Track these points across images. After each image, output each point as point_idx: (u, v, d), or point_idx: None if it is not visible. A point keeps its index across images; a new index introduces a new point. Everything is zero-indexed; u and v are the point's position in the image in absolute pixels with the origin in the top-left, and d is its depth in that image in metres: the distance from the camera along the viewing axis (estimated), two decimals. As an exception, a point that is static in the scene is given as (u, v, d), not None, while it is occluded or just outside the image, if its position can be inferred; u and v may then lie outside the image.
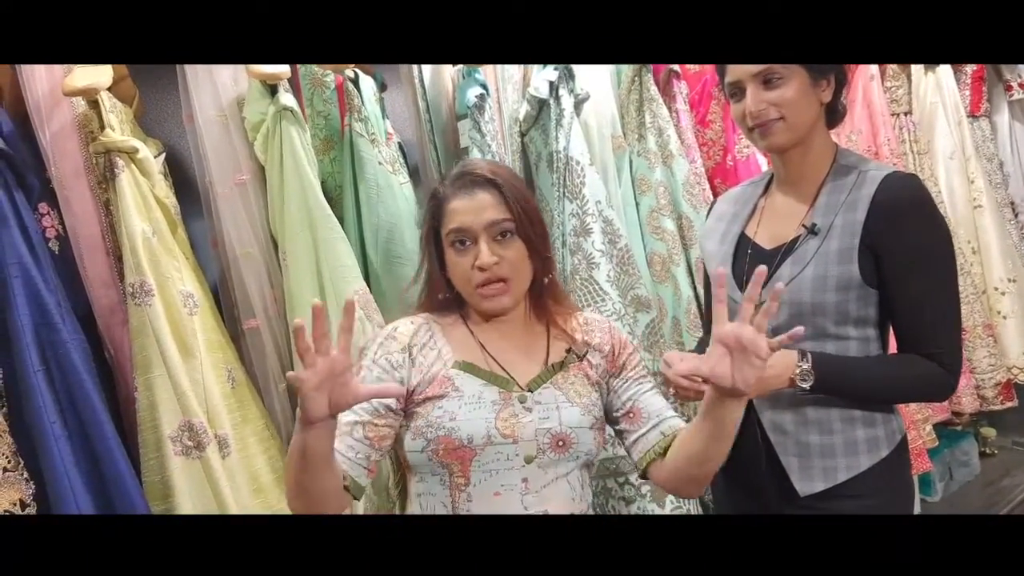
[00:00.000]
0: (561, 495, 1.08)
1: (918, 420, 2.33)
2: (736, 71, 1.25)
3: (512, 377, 1.11)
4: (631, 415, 1.14)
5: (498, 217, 1.08)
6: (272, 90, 1.47)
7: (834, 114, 1.30)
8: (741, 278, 1.32)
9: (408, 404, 1.09)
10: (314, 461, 0.93)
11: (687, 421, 1.11)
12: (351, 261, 1.47)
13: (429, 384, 1.08)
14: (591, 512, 1.16)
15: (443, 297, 1.16)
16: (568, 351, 1.15)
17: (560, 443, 1.07)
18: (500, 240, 1.09)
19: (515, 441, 1.05)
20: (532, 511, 1.05)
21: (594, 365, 1.16)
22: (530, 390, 1.10)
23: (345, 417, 1.03)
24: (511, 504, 1.05)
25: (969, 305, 2.59)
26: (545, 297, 1.17)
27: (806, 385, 1.17)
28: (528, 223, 1.10)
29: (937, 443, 2.42)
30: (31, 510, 1.14)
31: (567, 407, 1.10)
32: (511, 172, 1.18)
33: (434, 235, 1.14)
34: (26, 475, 1.15)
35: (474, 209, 1.08)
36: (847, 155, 1.30)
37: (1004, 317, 2.69)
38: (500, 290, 1.09)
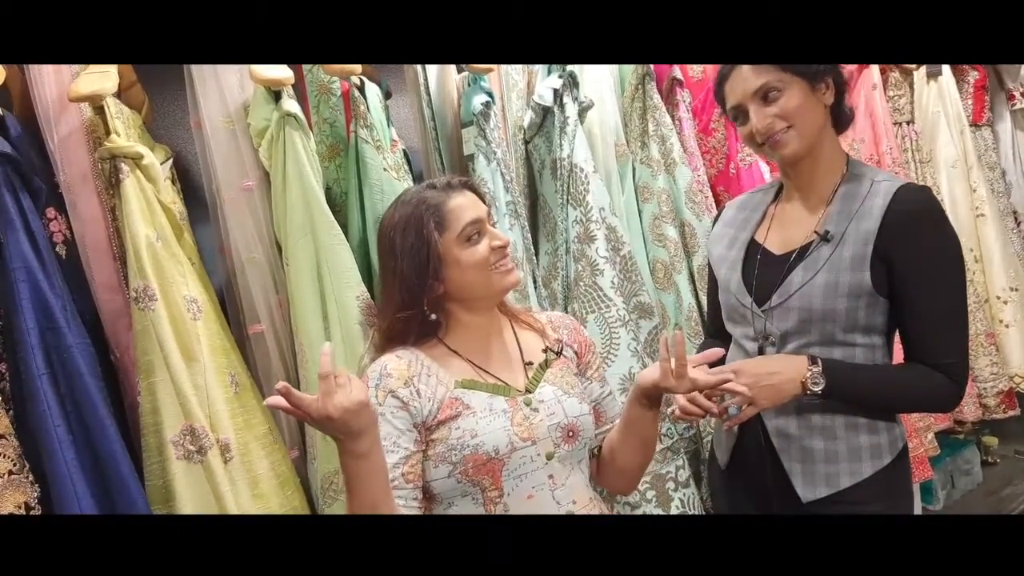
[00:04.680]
0: (581, 484, 1.16)
1: (920, 428, 2.33)
2: (735, 95, 1.26)
3: (508, 384, 1.16)
4: (595, 416, 1.25)
5: (487, 209, 1.19)
6: (276, 96, 1.47)
7: (840, 118, 1.31)
8: (751, 283, 1.33)
9: (425, 434, 1.10)
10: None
11: None
12: (352, 266, 1.47)
13: (439, 409, 1.10)
14: (604, 497, 1.21)
15: (434, 318, 1.15)
16: (545, 350, 1.23)
17: (570, 434, 1.14)
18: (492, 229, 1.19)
19: (533, 442, 1.10)
20: (563, 504, 1.11)
21: (569, 359, 1.25)
22: (530, 391, 1.16)
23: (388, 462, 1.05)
24: (544, 503, 1.10)
25: (971, 314, 2.58)
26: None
27: (818, 389, 1.18)
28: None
29: (939, 451, 2.42)
30: (35, 513, 1.14)
31: (567, 399, 1.17)
32: None
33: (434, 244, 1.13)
34: (31, 478, 1.15)
35: (473, 204, 1.17)
36: (858, 165, 1.31)
37: (1006, 326, 2.69)
38: (512, 265, 1.17)
